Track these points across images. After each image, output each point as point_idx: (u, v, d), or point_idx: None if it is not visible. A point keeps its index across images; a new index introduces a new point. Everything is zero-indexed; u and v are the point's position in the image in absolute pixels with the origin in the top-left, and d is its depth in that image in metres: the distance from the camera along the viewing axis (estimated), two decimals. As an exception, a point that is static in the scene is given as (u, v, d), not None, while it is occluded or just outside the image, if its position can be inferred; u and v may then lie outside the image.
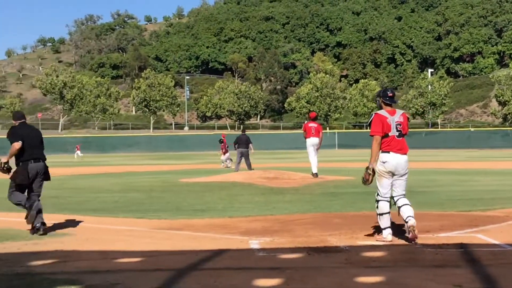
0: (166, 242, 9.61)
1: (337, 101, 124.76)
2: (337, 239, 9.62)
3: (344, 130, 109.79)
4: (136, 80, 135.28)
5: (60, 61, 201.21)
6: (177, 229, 10.96)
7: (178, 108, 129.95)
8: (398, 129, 9.23)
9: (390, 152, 9.16)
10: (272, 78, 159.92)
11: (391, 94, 9.48)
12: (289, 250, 8.67)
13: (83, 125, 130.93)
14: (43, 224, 10.84)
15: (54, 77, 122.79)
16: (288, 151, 73.71)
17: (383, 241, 9.25)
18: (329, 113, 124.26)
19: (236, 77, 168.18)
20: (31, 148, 11.20)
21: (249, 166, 29.35)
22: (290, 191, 18.89)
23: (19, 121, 11.44)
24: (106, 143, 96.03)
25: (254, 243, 9.33)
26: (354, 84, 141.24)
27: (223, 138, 38.61)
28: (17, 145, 11.00)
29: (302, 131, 23.63)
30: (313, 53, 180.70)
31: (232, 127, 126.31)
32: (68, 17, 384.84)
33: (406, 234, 9.20)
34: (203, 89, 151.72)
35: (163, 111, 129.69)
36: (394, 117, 9.26)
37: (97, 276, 7.08)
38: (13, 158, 11.20)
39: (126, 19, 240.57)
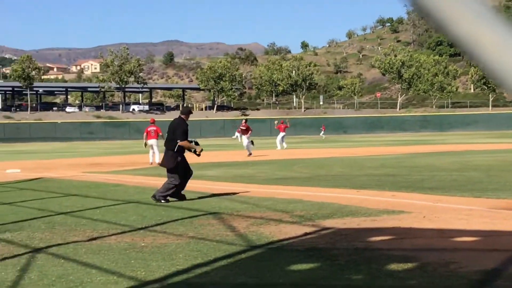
0: (504, 222, 9.33)
1: None
2: None
3: None
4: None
5: (398, 41, 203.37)
6: (516, 210, 10.57)
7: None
8: None
9: None
10: None
11: None
12: None
13: (420, 104, 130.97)
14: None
15: (392, 57, 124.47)
16: None
17: None
18: None
19: None
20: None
21: None
22: None
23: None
24: (444, 121, 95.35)
25: None
26: None
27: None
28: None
29: None
30: None
31: None
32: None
33: None
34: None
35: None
36: None
37: (433, 254, 7.12)
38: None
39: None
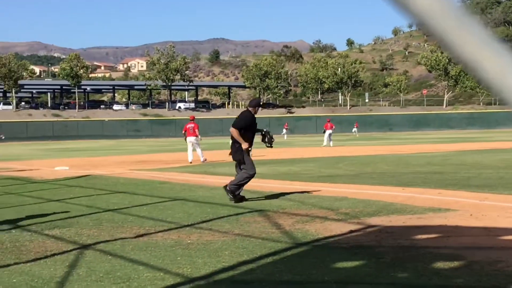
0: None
1: None
2: None
3: None
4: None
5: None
6: None
7: None
8: None
9: None
10: None
11: None
12: None
13: (467, 101, 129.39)
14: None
15: (438, 54, 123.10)
16: None
17: None
18: None
19: None
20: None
21: None
22: None
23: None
24: (491, 118, 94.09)
25: None
26: None
27: None
28: None
29: None
30: None
31: None
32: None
33: None
34: None
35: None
36: None
37: (480, 252, 7.06)
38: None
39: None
